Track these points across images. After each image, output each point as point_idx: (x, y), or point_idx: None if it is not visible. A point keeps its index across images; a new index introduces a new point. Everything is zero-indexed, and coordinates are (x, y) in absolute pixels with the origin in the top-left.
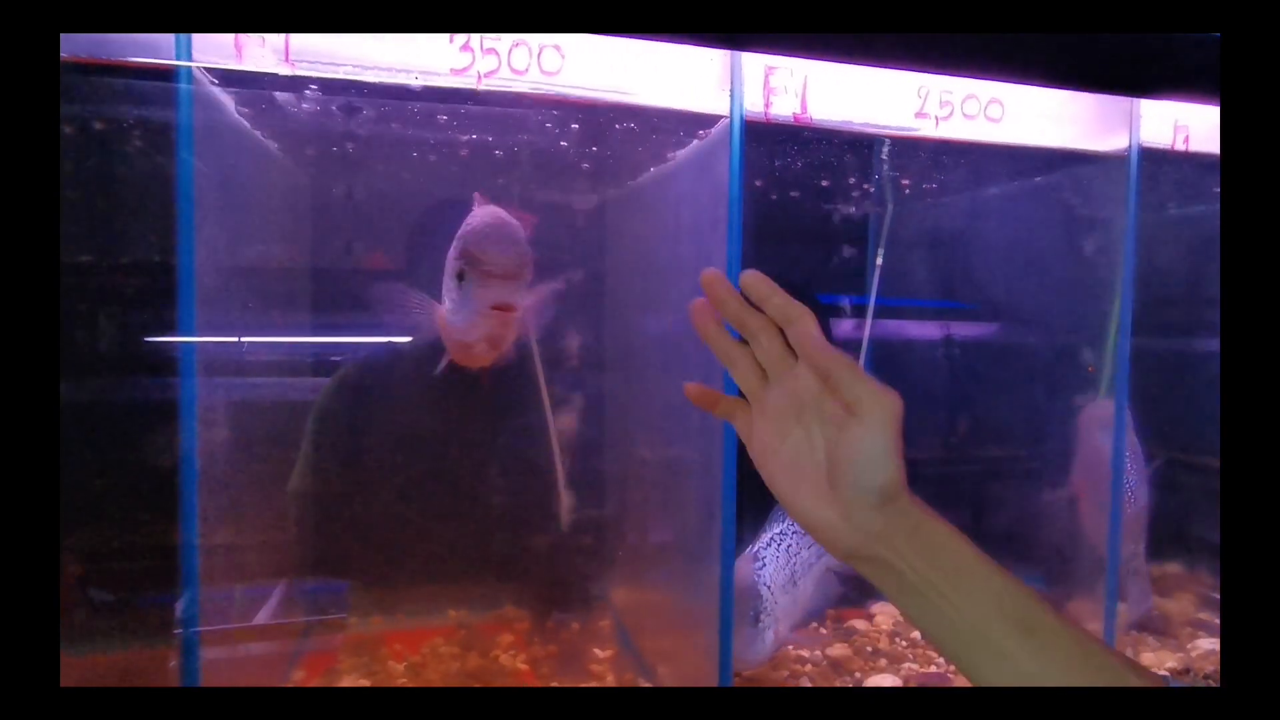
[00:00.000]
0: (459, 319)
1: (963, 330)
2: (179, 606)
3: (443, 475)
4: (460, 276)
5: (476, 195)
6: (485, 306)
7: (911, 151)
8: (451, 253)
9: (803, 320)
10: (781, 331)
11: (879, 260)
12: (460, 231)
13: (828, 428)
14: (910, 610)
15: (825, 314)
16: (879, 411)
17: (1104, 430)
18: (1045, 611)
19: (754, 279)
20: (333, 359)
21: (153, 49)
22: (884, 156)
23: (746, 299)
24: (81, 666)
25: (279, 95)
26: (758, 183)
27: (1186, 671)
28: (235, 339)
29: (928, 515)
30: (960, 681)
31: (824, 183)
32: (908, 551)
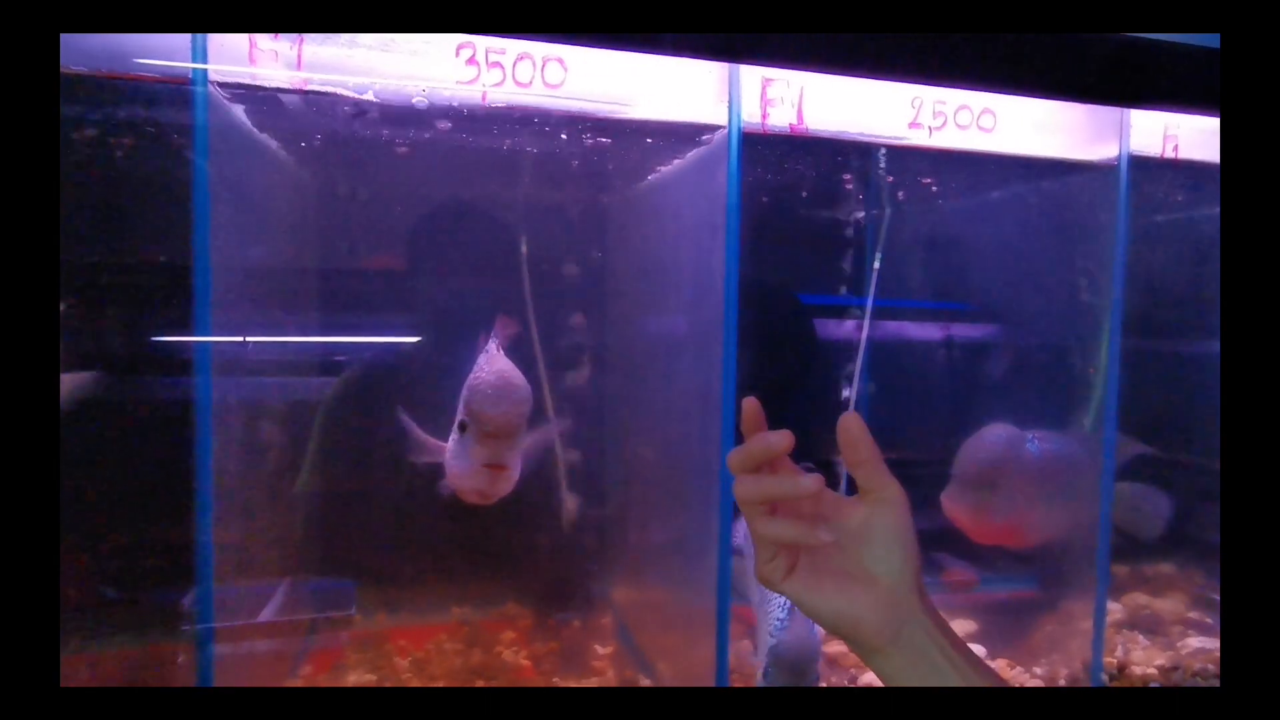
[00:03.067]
0: (456, 465)
1: (956, 335)
2: (186, 602)
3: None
4: (462, 427)
5: (497, 326)
6: (479, 464)
7: (907, 160)
8: (461, 397)
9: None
10: None
11: (876, 265)
12: (469, 381)
13: (846, 525)
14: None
15: (809, 315)
16: (902, 497)
17: (1015, 449)
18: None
19: (751, 407)
20: (337, 358)
21: (168, 57)
22: (880, 165)
23: None
24: (92, 661)
25: (290, 104)
26: (756, 192)
27: (1175, 669)
28: (241, 339)
29: (932, 602)
30: None
31: (820, 190)
32: (936, 633)
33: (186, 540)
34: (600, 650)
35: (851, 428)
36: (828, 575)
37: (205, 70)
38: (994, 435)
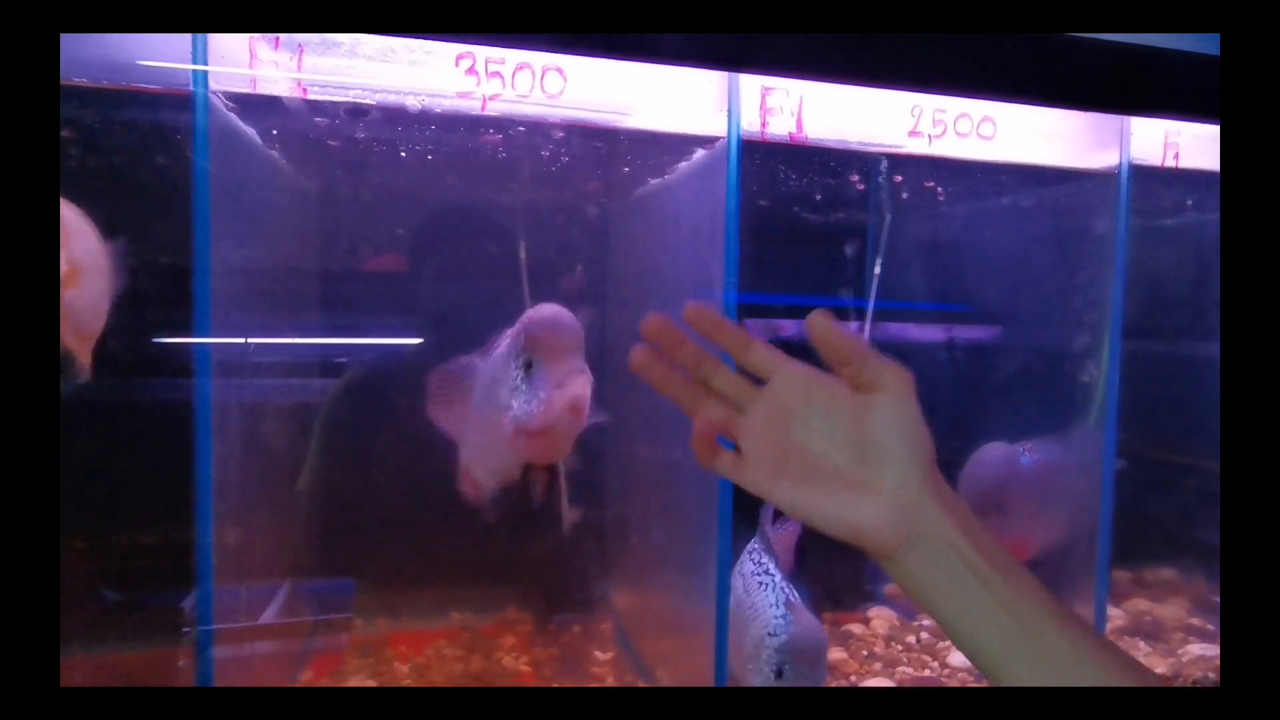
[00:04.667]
0: (536, 404)
1: (958, 341)
2: (187, 605)
3: (446, 479)
4: (529, 365)
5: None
6: (564, 376)
7: (907, 168)
8: (508, 354)
9: (755, 344)
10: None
11: (877, 270)
12: (519, 329)
13: (840, 418)
14: (952, 605)
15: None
16: (902, 383)
17: (1013, 467)
18: (1065, 605)
19: (699, 312)
20: (339, 360)
21: (168, 65)
22: (880, 173)
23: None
24: (92, 665)
25: (290, 113)
26: (756, 199)
27: (1176, 677)
28: (244, 340)
29: (956, 494)
30: (951, 685)
31: (820, 198)
32: (953, 532)
33: (186, 543)
34: (600, 656)
35: (818, 325)
36: (821, 481)
37: (205, 73)
38: (992, 457)
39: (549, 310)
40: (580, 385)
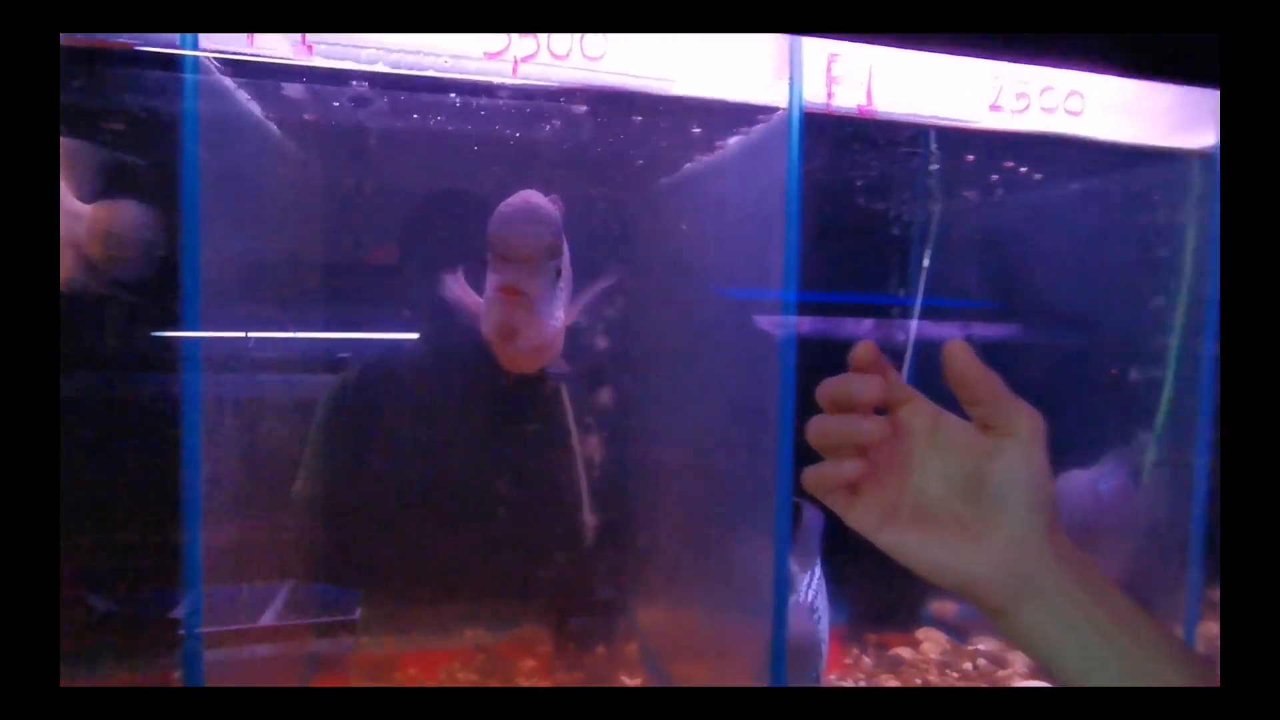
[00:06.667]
0: (482, 307)
1: (1030, 339)
2: (181, 615)
3: (454, 484)
4: (484, 264)
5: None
6: (494, 291)
7: (987, 146)
8: None
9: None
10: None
11: (925, 263)
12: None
13: (963, 461)
14: (1071, 661)
15: None
16: (1035, 429)
17: (1095, 496)
18: (1193, 651)
19: (870, 349)
20: (341, 355)
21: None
22: (954, 151)
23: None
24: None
25: (297, 82)
26: (816, 180)
27: None
28: (243, 334)
29: (1076, 546)
30: None
31: (888, 179)
32: (1074, 588)
33: (173, 549)
34: (628, 682)
35: (959, 359)
36: (934, 526)
37: (199, 46)
38: (1077, 489)
39: (513, 204)
40: (497, 311)
